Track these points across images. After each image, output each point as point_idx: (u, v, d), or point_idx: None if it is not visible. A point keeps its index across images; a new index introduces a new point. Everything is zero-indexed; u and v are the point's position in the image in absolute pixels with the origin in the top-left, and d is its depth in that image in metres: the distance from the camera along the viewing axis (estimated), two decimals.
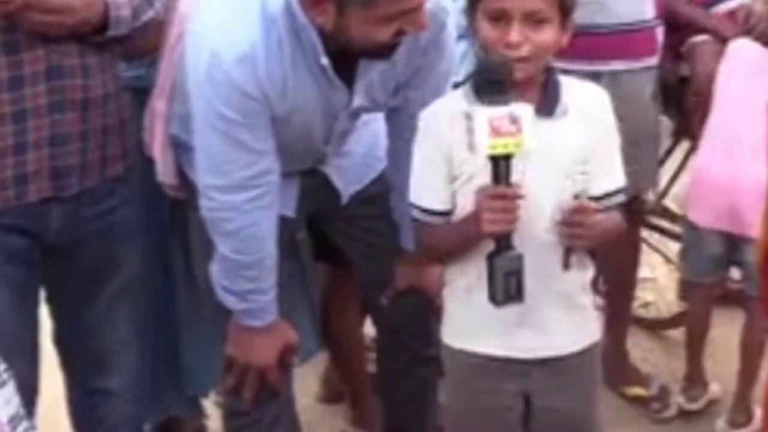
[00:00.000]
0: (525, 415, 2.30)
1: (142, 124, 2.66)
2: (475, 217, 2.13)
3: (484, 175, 2.12)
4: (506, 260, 2.13)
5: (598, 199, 2.24)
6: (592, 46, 3.06)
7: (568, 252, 2.22)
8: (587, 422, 2.36)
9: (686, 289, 3.39)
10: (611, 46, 3.10)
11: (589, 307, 2.33)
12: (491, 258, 2.14)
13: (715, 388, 3.41)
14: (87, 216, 2.43)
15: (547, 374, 2.27)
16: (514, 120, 2.04)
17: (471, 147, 2.08)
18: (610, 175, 2.26)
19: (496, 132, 2.04)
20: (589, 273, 2.32)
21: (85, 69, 2.34)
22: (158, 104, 2.60)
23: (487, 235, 2.13)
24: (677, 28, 3.25)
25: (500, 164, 2.08)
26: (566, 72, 2.94)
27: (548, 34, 2.14)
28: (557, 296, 2.23)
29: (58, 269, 2.47)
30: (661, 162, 3.54)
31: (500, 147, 2.05)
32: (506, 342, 2.25)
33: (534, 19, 2.11)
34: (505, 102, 2.06)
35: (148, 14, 2.41)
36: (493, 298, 2.15)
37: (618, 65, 3.13)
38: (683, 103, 3.31)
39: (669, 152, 3.63)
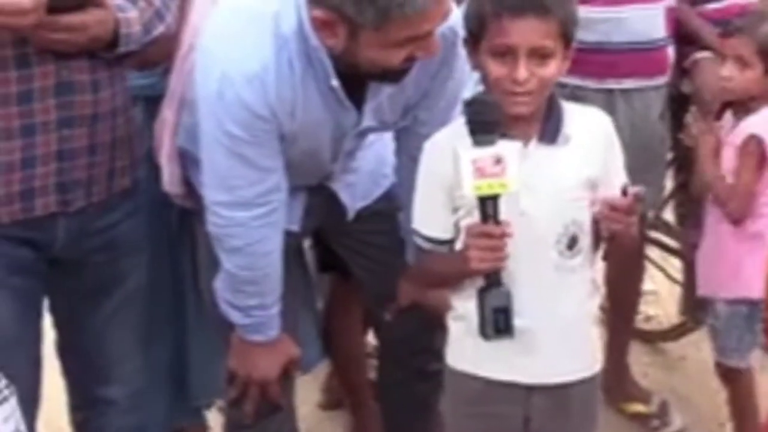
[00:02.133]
0: None
1: (153, 132, 2.65)
2: (462, 255, 2.16)
3: None
4: (495, 297, 2.16)
5: None
6: (606, 64, 3.08)
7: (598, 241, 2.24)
8: None
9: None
10: (625, 64, 3.11)
11: (593, 337, 2.34)
12: (480, 294, 2.17)
13: None
14: (92, 229, 2.43)
15: (548, 400, 2.27)
16: (498, 161, 2.06)
17: (459, 186, 2.10)
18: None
19: (480, 173, 2.06)
20: (596, 301, 2.33)
21: (95, 84, 2.33)
22: (167, 113, 2.59)
23: (474, 272, 2.15)
24: (683, 41, 3.24)
25: (487, 203, 2.10)
26: (579, 89, 3.00)
27: (553, 68, 2.14)
28: (562, 323, 2.23)
29: (63, 280, 2.47)
30: None
31: (485, 188, 2.07)
32: (509, 367, 2.25)
33: (539, 54, 2.11)
34: (492, 142, 2.07)
35: (159, 29, 2.40)
36: (483, 332, 2.18)
37: (630, 83, 3.14)
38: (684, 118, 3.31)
39: (668, 165, 3.62)
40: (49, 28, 2.19)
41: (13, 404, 1.92)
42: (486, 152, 2.06)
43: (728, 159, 2.95)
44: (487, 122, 2.09)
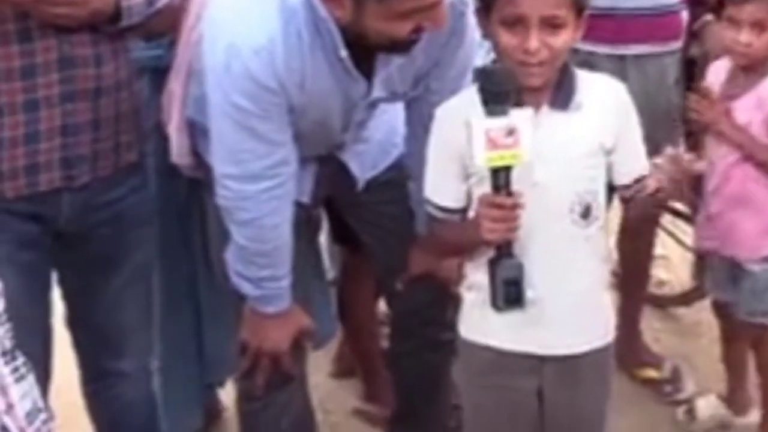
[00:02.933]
0: (540, 409, 2.29)
1: (160, 104, 2.64)
2: (474, 225, 2.14)
3: None
4: (506, 268, 2.14)
5: (625, 187, 2.25)
6: (618, 30, 3.05)
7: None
8: (596, 421, 2.36)
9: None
10: (637, 30, 3.08)
11: (606, 306, 2.33)
12: (492, 264, 2.15)
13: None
14: (98, 204, 2.42)
15: (560, 370, 2.26)
16: (511, 132, 2.03)
17: (471, 157, 2.07)
18: (636, 164, 2.25)
19: (492, 145, 2.03)
20: (608, 270, 2.31)
21: (98, 58, 2.32)
22: (175, 85, 2.57)
23: (486, 243, 2.13)
24: (692, 3, 3.21)
25: (499, 174, 2.08)
26: (591, 55, 2.97)
27: (565, 38, 2.11)
28: (574, 294, 2.22)
29: (70, 255, 2.46)
30: None
31: (497, 159, 2.05)
32: (522, 338, 2.24)
33: (551, 24, 2.09)
34: (504, 112, 2.04)
35: (162, 1, 2.38)
36: (494, 303, 2.17)
37: (643, 49, 3.11)
38: (692, 83, 3.27)
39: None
40: (50, 3, 2.17)
41: (30, 381, 1.92)
42: (499, 123, 2.03)
43: (741, 119, 2.90)
44: (499, 92, 2.06)
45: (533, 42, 2.07)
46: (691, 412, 3.21)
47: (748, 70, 2.89)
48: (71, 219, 2.39)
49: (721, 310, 3.15)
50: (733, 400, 3.20)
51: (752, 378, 3.18)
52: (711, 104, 2.90)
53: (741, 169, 2.89)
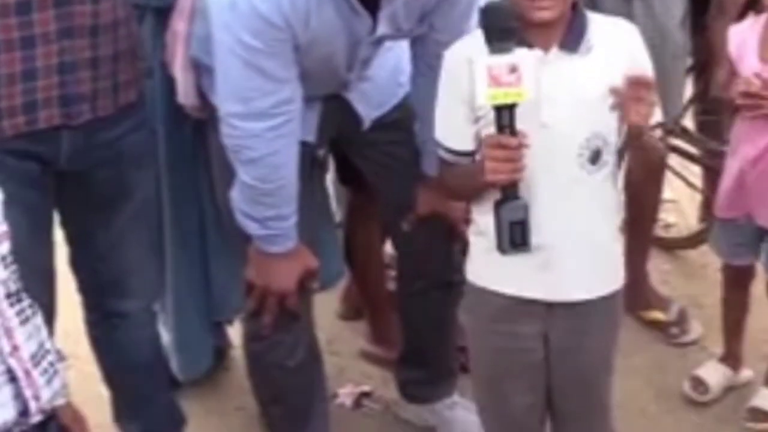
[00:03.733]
0: (546, 356, 2.29)
1: (164, 44, 2.63)
2: (479, 165, 2.12)
3: None
4: (511, 210, 2.12)
5: None
6: None
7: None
8: (603, 367, 2.35)
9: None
10: None
11: (616, 253, 2.31)
12: (497, 207, 2.13)
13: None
14: (98, 142, 2.41)
15: (568, 317, 2.25)
16: (513, 69, 2.00)
17: (473, 95, 2.05)
18: None
19: (495, 82, 2.01)
20: (619, 217, 2.29)
21: None
22: (178, 25, 2.57)
23: (491, 184, 2.11)
24: None
25: (503, 113, 2.06)
26: None
27: None
28: (582, 240, 2.20)
29: (72, 194, 2.46)
30: None
31: (500, 97, 2.02)
32: (530, 284, 2.23)
33: None
34: (509, 50, 2.02)
35: None
36: (500, 246, 2.15)
37: None
38: (704, 23, 3.23)
39: (687, 72, 3.56)
40: None
41: (36, 323, 1.93)
42: (501, 60, 2.01)
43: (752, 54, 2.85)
44: (503, 29, 2.03)
45: None
46: (699, 385, 3.16)
47: (759, 9, 2.83)
48: (72, 158, 2.39)
49: (735, 273, 3.09)
50: (731, 357, 3.18)
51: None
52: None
53: None
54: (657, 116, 2.20)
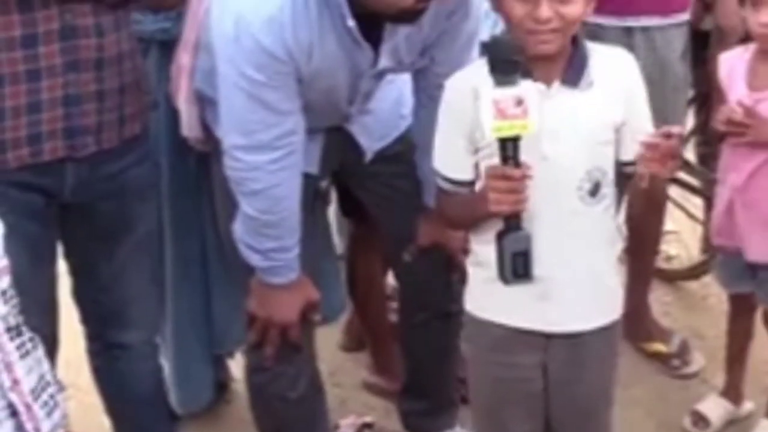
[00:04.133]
0: (546, 386, 2.30)
1: (168, 76, 2.64)
2: (482, 196, 2.13)
3: None
4: (514, 240, 2.14)
5: (631, 164, 2.21)
6: (625, 2, 3.05)
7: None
8: (602, 398, 2.36)
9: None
10: (644, 2, 3.08)
11: (615, 284, 2.32)
12: (500, 237, 2.15)
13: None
14: (102, 175, 2.42)
15: (567, 348, 2.26)
16: (519, 102, 2.03)
17: (479, 127, 2.07)
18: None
19: (501, 114, 2.03)
20: (618, 249, 2.31)
21: (99, 28, 2.32)
22: (183, 58, 2.59)
23: (493, 215, 2.13)
24: None
25: (507, 145, 2.07)
26: (599, 27, 2.96)
27: (577, 7, 2.09)
28: (581, 271, 2.21)
29: (75, 226, 2.47)
30: None
31: (506, 129, 2.04)
32: (528, 315, 2.24)
33: None
34: (513, 82, 2.04)
35: None
36: (502, 276, 2.17)
37: (650, 21, 3.10)
38: (705, 56, 3.25)
39: (689, 104, 3.57)
40: None
41: (37, 356, 1.93)
42: (507, 93, 2.03)
43: None
44: (508, 62, 2.06)
45: (544, 10, 2.06)
46: (700, 420, 3.15)
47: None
48: (76, 190, 2.40)
49: (740, 301, 3.09)
50: (733, 390, 3.18)
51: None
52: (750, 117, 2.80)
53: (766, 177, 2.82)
54: None
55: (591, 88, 2.16)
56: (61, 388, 2.02)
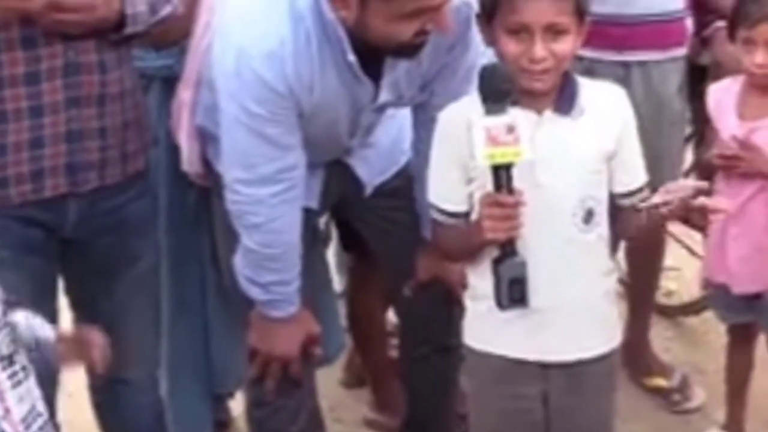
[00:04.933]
0: (546, 416, 2.30)
1: (169, 112, 2.67)
2: (477, 226, 2.15)
3: None
4: (510, 267, 2.16)
5: (623, 196, 2.25)
6: (623, 37, 3.06)
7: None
8: (603, 428, 2.36)
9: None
10: (641, 37, 3.09)
11: (610, 312, 2.33)
12: (495, 264, 2.16)
13: None
14: (102, 210, 2.44)
15: (565, 377, 2.27)
16: (511, 129, 2.05)
17: (472, 155, 2.09)
18: (633, 173, 2.26)
19: (493, 141, 2.05)
20: (613, 278, 2.32)
21: (102, 65, 2.34)
22: (184, 94, 2.61)
23: (489, 242, 2.14)
24: (701, 10, 3.21)
25: (500, 173, 2.09)
26: (595, 61, 2.99)
27: (568, 44, 2.13)
28: (576, 300, 2.23)
29: (75, 261, 2.48)
30: None
31: (498, 156, 2.07)
32: (524, 346, 2.25)
33: (554, 31, 2.11)
34: (504, 110, 2.07)
35: (166, 9, 2.40)
36: (499, 303, 2.18)
37: (647, 56, 3.12)
38: (702, 90, 3.27)
39: (687, 140, 3.59)
40: (56, 10, 2.19)
41: (28, 386, 1.94)
42: (499, 120, 2.06)
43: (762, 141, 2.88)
44: (499, 91, 2.08)
45: (538, 50, 2.09)
46: None
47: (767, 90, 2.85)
48: (78, 225, 2.41)
49: (738, 332, 3.10)
50: (734, 424, 3.17)
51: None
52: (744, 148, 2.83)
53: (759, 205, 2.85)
54: (642, 180, 2.25)
55: (582, 116, 2.19)
56: (52, 418, 2.03)
